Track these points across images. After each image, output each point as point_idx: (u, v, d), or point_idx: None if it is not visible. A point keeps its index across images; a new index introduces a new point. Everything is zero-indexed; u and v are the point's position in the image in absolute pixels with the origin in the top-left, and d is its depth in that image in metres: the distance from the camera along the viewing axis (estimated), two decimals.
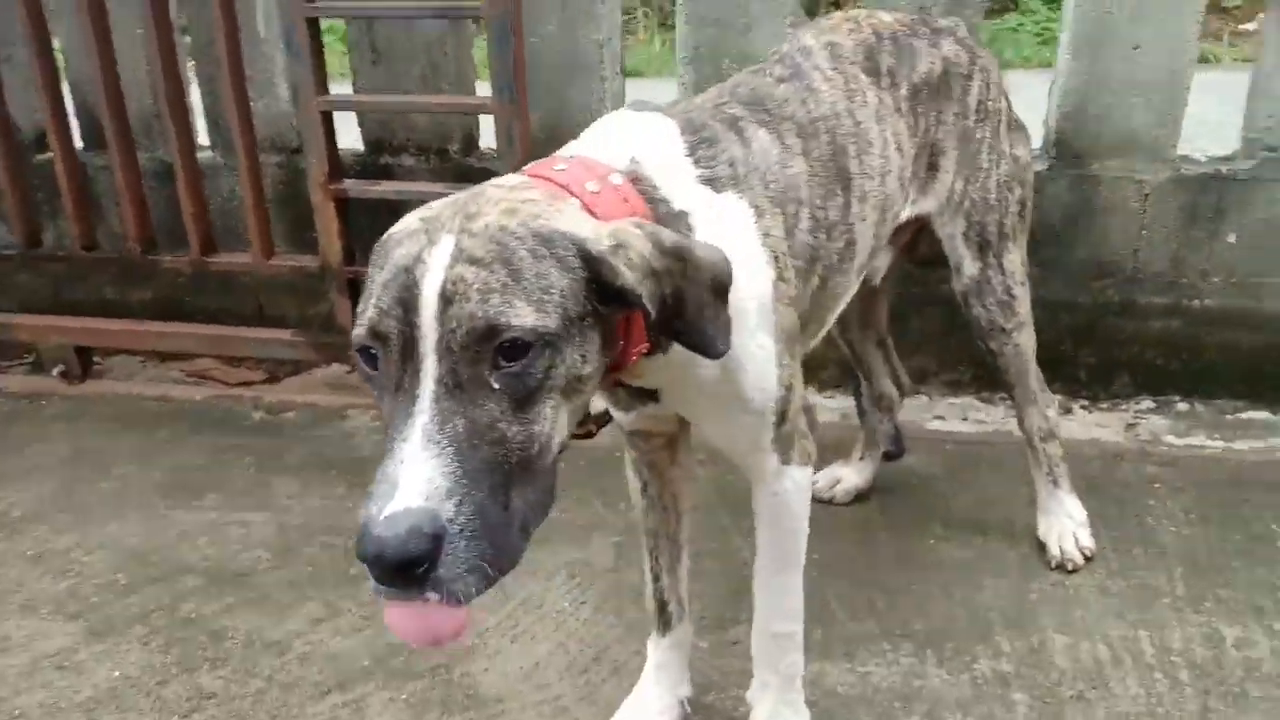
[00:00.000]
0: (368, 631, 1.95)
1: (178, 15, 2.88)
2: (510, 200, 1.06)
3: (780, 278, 1.34)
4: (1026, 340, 1.98)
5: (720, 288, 1.11)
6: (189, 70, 2.98)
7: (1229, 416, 2.56)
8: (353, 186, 2.62)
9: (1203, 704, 1.70)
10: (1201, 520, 2.16)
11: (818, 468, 2.31)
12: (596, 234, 1.05)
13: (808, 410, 1.48)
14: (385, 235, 1.09)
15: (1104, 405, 2.65)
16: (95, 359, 3.12)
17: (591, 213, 1.12)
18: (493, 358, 0.98)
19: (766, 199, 1.36)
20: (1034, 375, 2.02)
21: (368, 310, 1.01)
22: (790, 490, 1.46)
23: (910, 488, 2.35)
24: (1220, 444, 2.46)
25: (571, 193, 1.13)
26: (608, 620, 1.95)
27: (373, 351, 1.02)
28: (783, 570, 1.53)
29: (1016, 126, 1.92)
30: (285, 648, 1.92)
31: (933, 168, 1.78)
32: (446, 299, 0.97)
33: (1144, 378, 2.62)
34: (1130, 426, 2.57)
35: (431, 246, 1.00)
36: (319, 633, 1.95)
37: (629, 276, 1.03)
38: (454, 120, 2.72)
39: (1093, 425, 2.59)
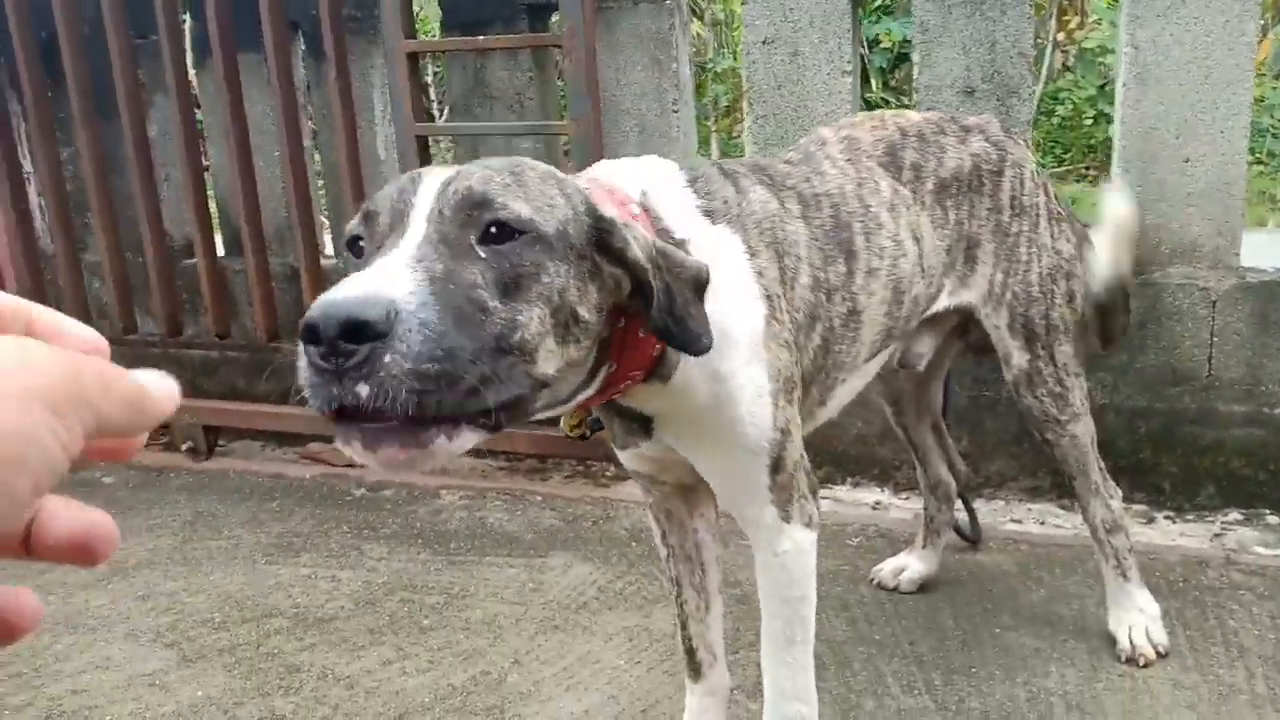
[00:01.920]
0: (433, 673, 2.03)
1: (310, 141, 3.30)
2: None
3: (774, 316, 1.36)
4: (1084, 431, 1.95)
5: (699, 285, 1.14)
6: (318, 188, 3.38)
7: None
8: None
9: None
10: None
11: (884, 558, 2.35)
12: (611, 213, 1.12)
13: (808, 474, 1.47)
14: None
15: (1190, 516, 2.58)
16: (220, 442, 3.40)
17: None
18: (483, 229, 0.97)
19: (761, 242, 1.39)
20: (1095, 467, 1.99)
21: (364, 204, 1.05)
22: (791, 552, 1.43)
23: (980, 581, 2.33)
24: None
25: None
26: (660, 679, 1.99)
27: (361, 242, 1.03)
28: (790, 645, 1.48)
29: (1059, 219, 1.93)
30: (354, 683, 2.02)
31: (970, 260, 1.82)
32: (446, 183, 1.01)
33: (1230, 488, 2.56)
34: (1217, 536, 2.49)
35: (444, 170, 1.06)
36: (387, 672, 2.05)
37: (638, 251, 1.08)
38: None
39: (1177, 535, 2.52)
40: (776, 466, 1.38)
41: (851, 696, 1.91)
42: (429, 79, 8.88)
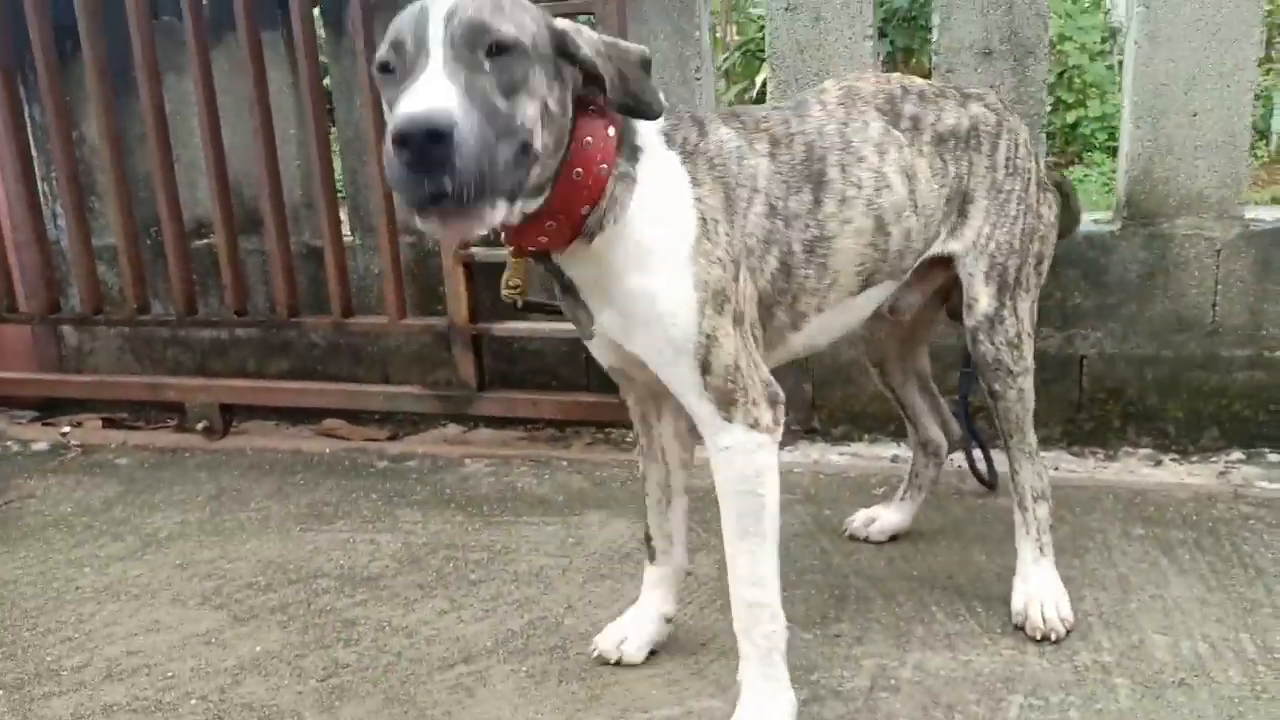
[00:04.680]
0: (489, 621, 2.08)
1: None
2: None
3: (705, 235, 1.53)
4: (1029, 389, 1.98)
5: (645, 63, 1.46)
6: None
7: None
8: (479, 252, 2.93)
9: None
10: None
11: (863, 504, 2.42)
12: (564, 25, 1.42)
13: (766, 384, 1.59)
14: None
15: (1194, 458, 2.70)
16: (233, 422, 3.40)
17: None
18: (486, 49, 1.28)
19: (709, 175, 1.57)
20: (1031, 431, 2.01)
21: (388, 35, 1.32)
22: (733, 450, 1.55)
23: (1006, 522, 2.37)
24: None
25: None
26: (713, 617, 2.05)
27: (390, 66, 1.31)
28: (744, 536, 1.58)
29: (1045, 187, 2.03)
30: (413, 632, 2.06)
31: (963, 214, 1.91)
32: (450, 14, 1.28)
33: (1233, 430, 2.68)
34: (1222, 474, 2.61)
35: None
36: (444, 621, 2.09)
37: (588, 50, 1.40)
38: None
39: (1184, 474, 2.63)
40: (705, 368, 1.54)
41: (901, 624, 1.99)
42: None
